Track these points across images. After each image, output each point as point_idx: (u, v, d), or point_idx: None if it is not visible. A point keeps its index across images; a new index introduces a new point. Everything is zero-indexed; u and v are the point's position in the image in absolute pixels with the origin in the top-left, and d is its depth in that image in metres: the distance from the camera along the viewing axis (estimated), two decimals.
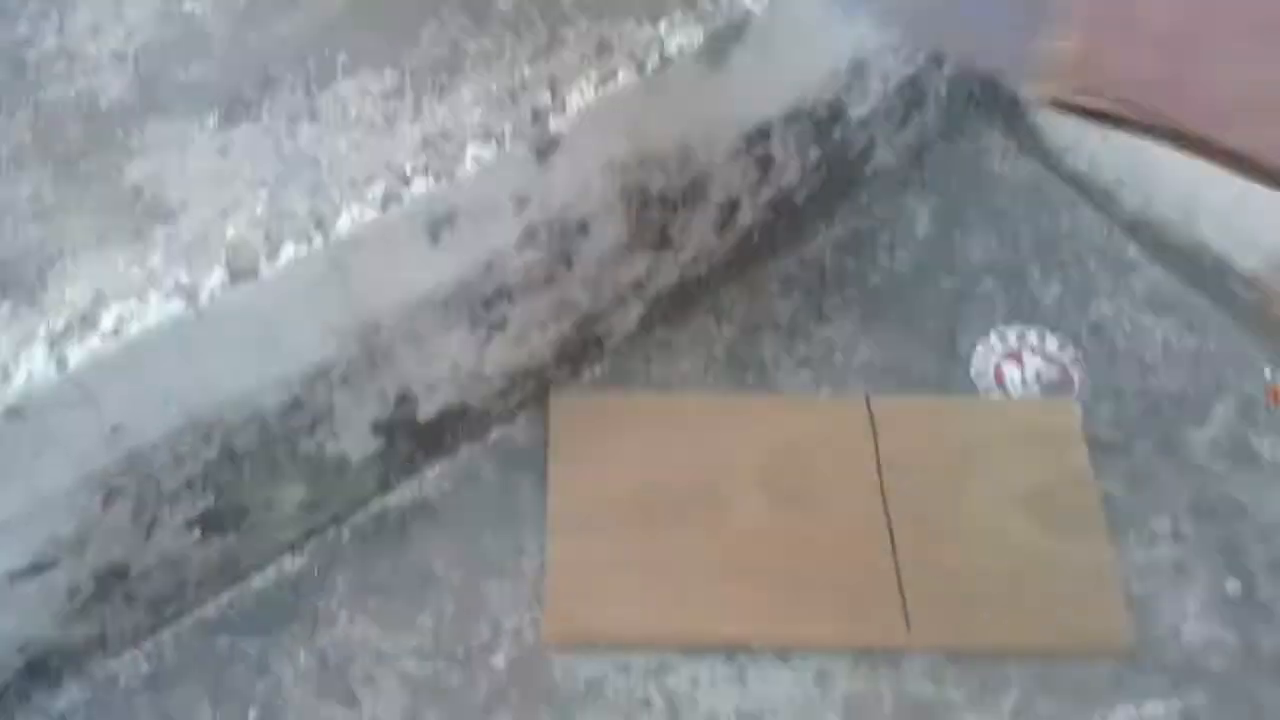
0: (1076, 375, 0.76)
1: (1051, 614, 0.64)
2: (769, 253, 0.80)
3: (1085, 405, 0.74)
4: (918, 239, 0.82)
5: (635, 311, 0.74)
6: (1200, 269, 0.79)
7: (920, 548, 0.67)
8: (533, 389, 0.73)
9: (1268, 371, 0.75)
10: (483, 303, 0.63)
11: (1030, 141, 0.86)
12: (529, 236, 0.61)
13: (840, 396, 0.74)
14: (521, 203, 0.59)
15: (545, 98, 0.56)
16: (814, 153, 0.75)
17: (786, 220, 0.78)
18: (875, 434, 0.71)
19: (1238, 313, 0.77)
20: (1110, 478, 0.70)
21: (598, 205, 0.63)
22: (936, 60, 0.77)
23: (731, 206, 0.72)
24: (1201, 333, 0.77)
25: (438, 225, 0.56)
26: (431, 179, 0.53)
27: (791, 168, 0.74)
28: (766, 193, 0.74)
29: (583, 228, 0.64)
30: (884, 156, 0.82)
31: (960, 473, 0.70)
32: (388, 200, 0.53)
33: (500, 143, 0.55)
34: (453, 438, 0.70)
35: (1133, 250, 0.82)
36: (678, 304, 0.76)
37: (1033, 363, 0.76)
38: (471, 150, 0.55)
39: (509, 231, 0.60)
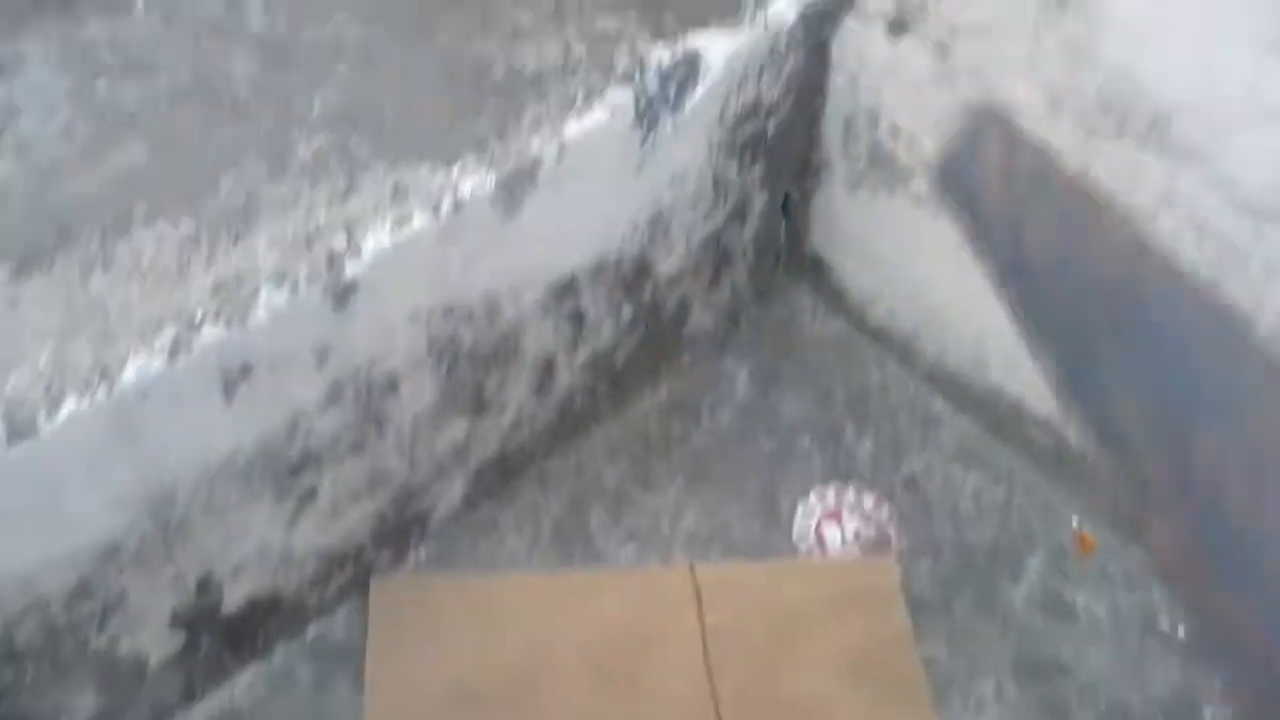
0: (894, 532, 0.77)
1: None
2: (593, 419, 0.80)
3: (904, 563, 0.74)
4: (737, 400, 0.84)
5: (458, 485, 0.72)
6: (999, 417, 0.82)
7: None
8: (352, 575, 0.69)
9: (1074, 520, 0.78)
10: (288, 470, 0.60)
11: (835, 299, 0.90)
12: (334, 394, 0.59)
13: (666, 566, 0.73)
14: (322, 355, 0.57)
15: (341, 241, 0.56)
16: (627, 311, 0.76)
17: (608, 383, 0.79)
18: (700, 605, 0.70)
19: (1038, 460, 0.80)
20: (932, 639, 0.70)
21: (405, 360, 0.62)
22: (738, 216, 0.81)
23: (548, 366, 0.73)
24: (1008, 483, 0.80)
25: (232, 378, 0.54)
26: (223, 325, 0.52)
27: (606, 326, 0.75)
28: (583, 352, 0.75)
29: (392, 385, 0.62)
30: (700, 318, 0.85)
31: (785, 640, 0.69)
32: (176, 348, 0.51)
33: (294, 287, 0.54)
34: (265, 635, 0.65)
35: (938, 403, 0.85)
36: (502, 476, 0.75)
37: (852, 522, 0.77)
38: (265, 294, 0.53)
39: (311, 387, 0.58)
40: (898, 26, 0.75)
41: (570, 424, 0.78)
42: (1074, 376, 0.29)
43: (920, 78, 0.74)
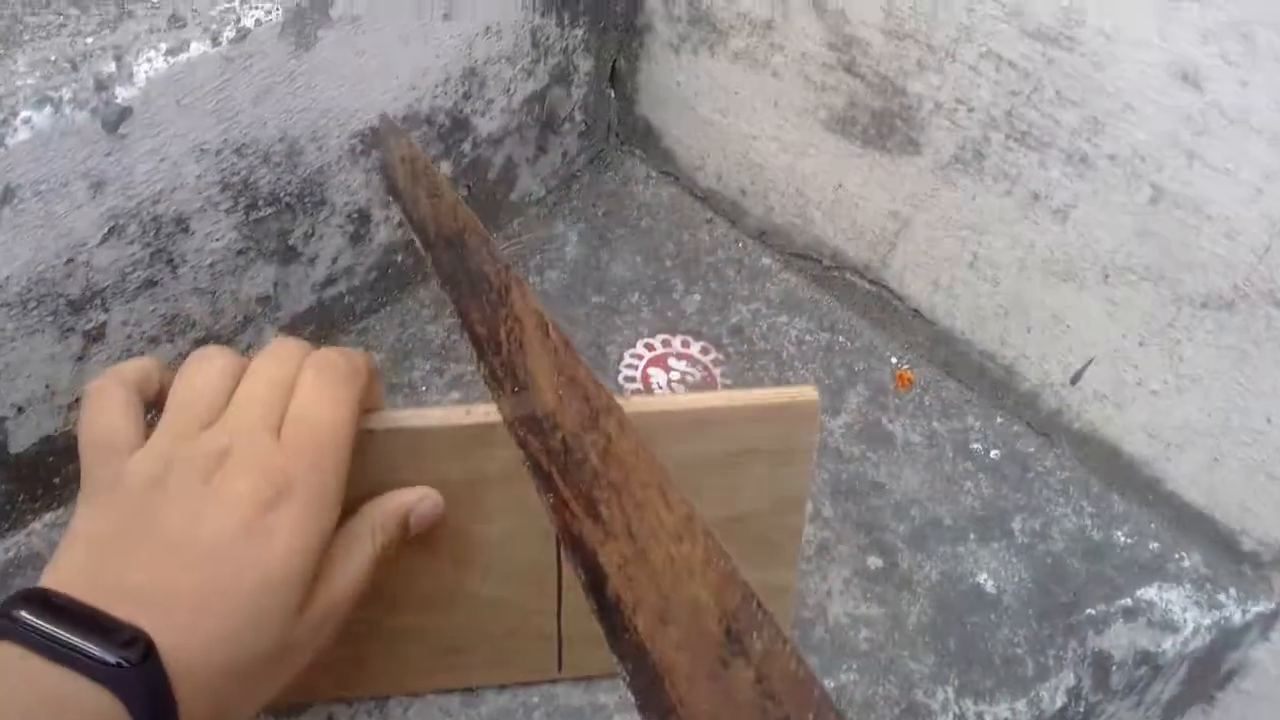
0: (719, 375, 0.78)
1: None
2: (418, 277, 0.79)
3: None
4: (567, 261, 0.84)
5: (269, 336, 0.70)
6: (823, 267, 0.83)
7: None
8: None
9: (894, 359, 0.80)
10: (69, 305, 0.58)
11: (666, 165, 0.90)
12: (116, 228, 0.58)
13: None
14: (98, 184, 0.56)
15: (110, 67, 0.54)
16: (446, 167, 0.76)
17: None
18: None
19: (860, 306, 0.82)
20: None
21: (195, 198, 0.61)
22: (562, 79, 0.81)
23: (362, 218, 0.72)
24: (831, 329, 0.81)
25: None
26: None
27: None
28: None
29: (182, 225, 0.61)
30: (529, 184, 0.85)
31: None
32: None
33: (58, 108, 0.52)
34: (62, 482, 0.63)
35: (766, 259, 0.86)
36: (321, 330, 0.74)
37: (678, 366, 0.78)
38: (24, 114, 0.52)
39: (88, 219, 0.56)
40: None
41: (393, 280, 0.77)
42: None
43: None
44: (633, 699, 0.31)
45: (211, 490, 0.39)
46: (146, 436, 0.42)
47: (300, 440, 0.41)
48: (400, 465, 0.47)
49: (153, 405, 0.44)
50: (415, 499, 0.46)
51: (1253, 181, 0.57)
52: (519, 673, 0.57)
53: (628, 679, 0.31)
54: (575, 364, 0.40)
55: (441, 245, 0.49)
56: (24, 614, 0.35)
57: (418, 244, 0.52)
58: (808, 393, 0.49)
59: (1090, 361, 0.70)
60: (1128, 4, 0.58)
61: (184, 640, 0.35)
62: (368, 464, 0.45)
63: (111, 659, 0.33)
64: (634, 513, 0.34)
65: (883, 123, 0.73)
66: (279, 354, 0.45)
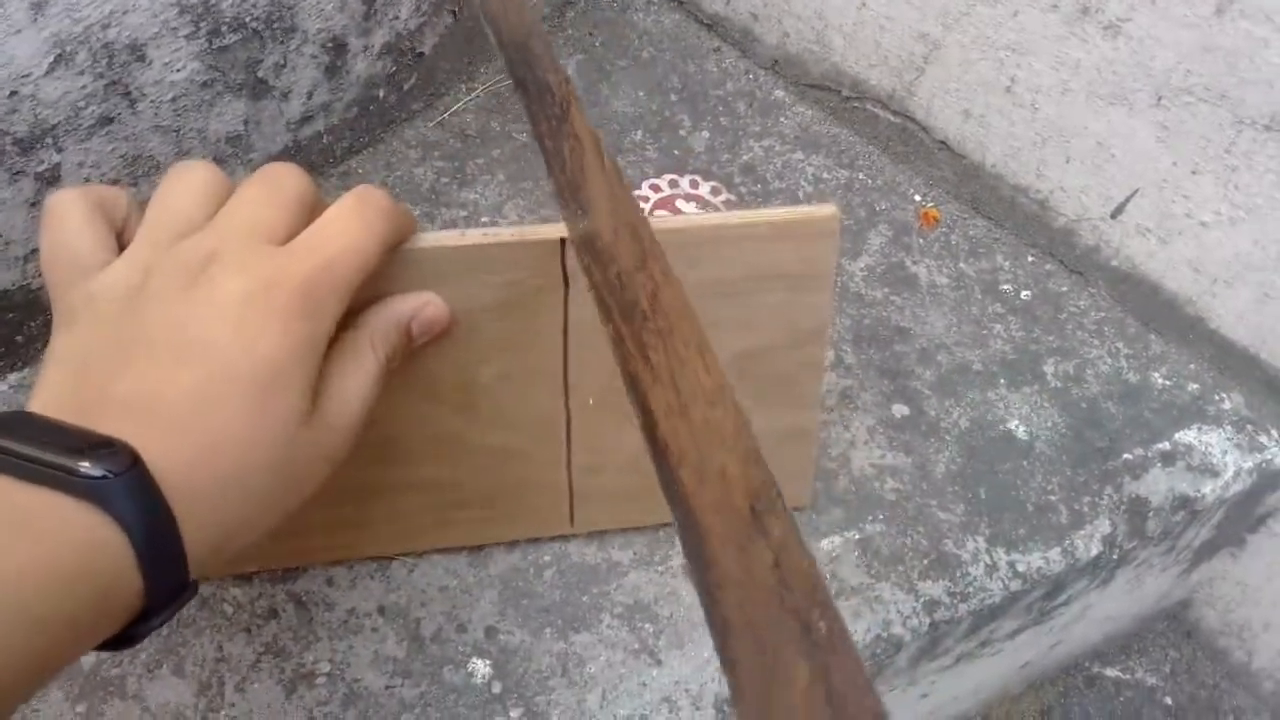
0: None
1: None
2: (403, 115, 0.73)
3: None
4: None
5: (241, 178, 0.64)
6: (842, 99, 0.77)
7: (598, 437, 0.51)
8: None
9: (917, 197, 0.74)
10: (17, 145, 0.52)
11: None
12: (62, 56, 0.51)
13: (530, 235, 0.45)
14: (37, 6, 0.49)
15: None
16: None
17: (416, 75, 0.72)
18: (567, 287, 0.47)
19: (882, 140, 0.76)
20: None
21: (150, 22, 0.54)
22: None
23: (338, 47, 0.65)
24: (850, 165, 0.76)
25: None
26: None
27: (405, 6, 0.67)
28: (380, 35, 0.67)
29: (137, 52, 0.54)
30: None
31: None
32: None
33: None
34: (24, 340, 0.59)
35: (779, 91, 0.80)
36: None
37: (686, 208, 0.73)
38: None
39: (30, 45, 0.50)
40: None
41: (375, 118, 0.71)
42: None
43: None
44: (680, 547, 0.29)
45: (198, 290, 0.35)
46: (118, 255, 0.37)
47: (307, 253, 0.36)
48: (394, 289, 0.42)
49: (119, 236, 0.39)
50: (417, 304, 0.42)
51: None
52: (529, 528, 0.54)
53: (677, 526, 0.29)
54: (626, 197, 0.36)
55: (511, 47, 0.46)
56: None
57: (491, 42, 0.48)
58: (827, 209, 0.45)
59: (1135, 193, 0.65)
60: None
61: (177, 448, 0.31)
62: (359, 290, 0.40)
63: (94, 472, 0.29)
64: (677, 366, 0.32)
65: None
66: (275, 180, 0.40)
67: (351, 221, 0.38)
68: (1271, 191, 0.59)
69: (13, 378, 0.58)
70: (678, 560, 0.55)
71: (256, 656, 0.49)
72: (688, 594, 0.54)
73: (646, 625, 0.52)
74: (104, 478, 0.30)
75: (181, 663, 0.49)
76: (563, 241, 0.43)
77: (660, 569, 0.54)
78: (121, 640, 0.31)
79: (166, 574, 0.31)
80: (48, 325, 0.59)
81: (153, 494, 0.31)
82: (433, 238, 0.42)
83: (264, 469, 0.34)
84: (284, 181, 0.39)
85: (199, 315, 0.35)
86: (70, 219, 0.37)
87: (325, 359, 0.37)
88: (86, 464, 0.30)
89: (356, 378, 0.39)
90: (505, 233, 0.43)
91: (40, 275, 0.56)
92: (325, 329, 0.37)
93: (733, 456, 0.29)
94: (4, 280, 0.55)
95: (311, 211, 0.39)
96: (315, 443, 0.36)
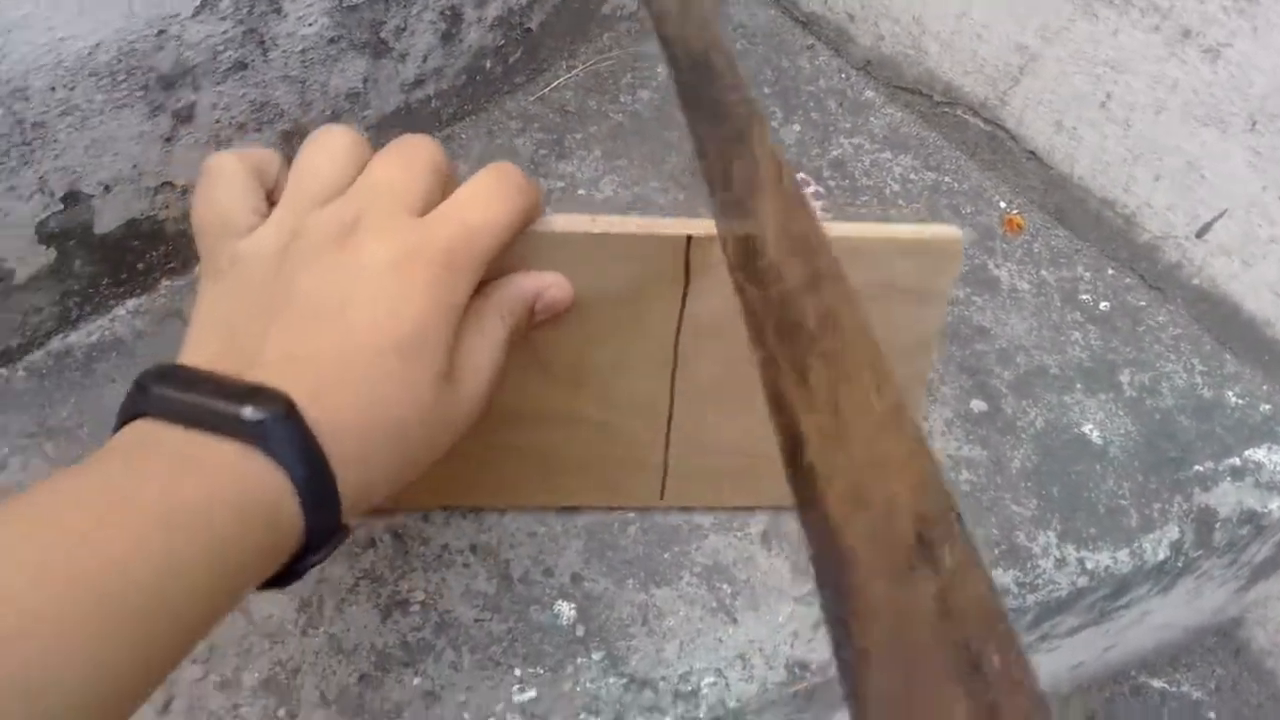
0: (819, 208, 0.74)
1: None
2: (506, 86, 0.75)
3: None
4: (659, 81, 0.80)
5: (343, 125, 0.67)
6: (933, 103, 0.79)
7: (698, 423, 0.52)
8: None
9: (1002, 203, 0.76)
10: (160, 82, 0.55)
11: None
12: (208, 2, 0.54)
13: (658, 229, 0.46)
14: None
15: None
16: None
17: (522, 50, 0.74)
18: (687, 282, 0.47)
19: (970, 145, 0.78)
20: None
21: None
22: None
23: (455, 15, 0.67)
24: (938, 168, 0.77)
25: None
26: None
27: None
28: (494, 7, 0.69)
29: (275, 4, 0.57)
30: None
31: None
32: None
33: None
34: (147, 268, 0.61)
35: (870, 92, 0.82)
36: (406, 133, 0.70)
37: None
38: None
39: None
40: None
41: (481, 87, 0.73)
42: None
43: None
44: (812, 573, 0.28)
45: (343, 255, 0.37)
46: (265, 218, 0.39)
47: (448, 224, 0.38)
48: (522, 266, 0.44)
49: (269, 199, 0.41)
50: (545, 283, 0.43)
51: None
52: (621, 498, 0.56)
53: (811, 552, 0.28)
54: (807, 220, 0.36)
55: (685, 62, 0.44)
56: (156, 389, 0.33)
57: (663, 55, 0.46)
58: (951, 232, 0.46)
59: (1222, 213, 0.66)
60: None
61: (326, 402, 0.33)
62: (494, 260, 0.42)
63: (254, 415, 0.31)
64: (843, 389, 0.31)
65: None
66: (413, 151, 0.42)
67: (492, 196, 0.40)
68: None
69: (130, 303, 0.61)
70: (756, 528, 0.56)
71: (355, 581, 0.51)
72: (764, 560, 0.55)
73: (724, 586, 0.54)
74: (262, 422, 0.32)
75: None
76: (689, 239, 0.45)
77: (739, 535, 0.56)
78: (281, 578, 0.33)
79: (323, 515, 0.32)
80: (168, 256, 0.61)
81: (309, 439, 0.32)
82: (564, 221, 0.44)
83: (406, 426, 0.36)
84: (420, 152, 0.41)
85: (345, 279, 0.36)
86: (226, 180, 0.39)
87: (459, 326, 0.39)
88: (249, 409, 0.32)
89: (487, 345, 0.40)
90: (634, 223, 0.44)
91: (167, 207, 0.59)
92: (463, 296, 0.38)
93: (903, 481, 0.28)
94: (134, 209, 0.58)
95: (446, 181, 0.41)
96: (452, 404, 0.38)
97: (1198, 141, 0.65)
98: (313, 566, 0.34)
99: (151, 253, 0.60)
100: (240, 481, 0.31)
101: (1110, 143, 0.70)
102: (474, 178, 0.40)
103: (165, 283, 0.62)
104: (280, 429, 0.31)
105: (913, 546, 0.26)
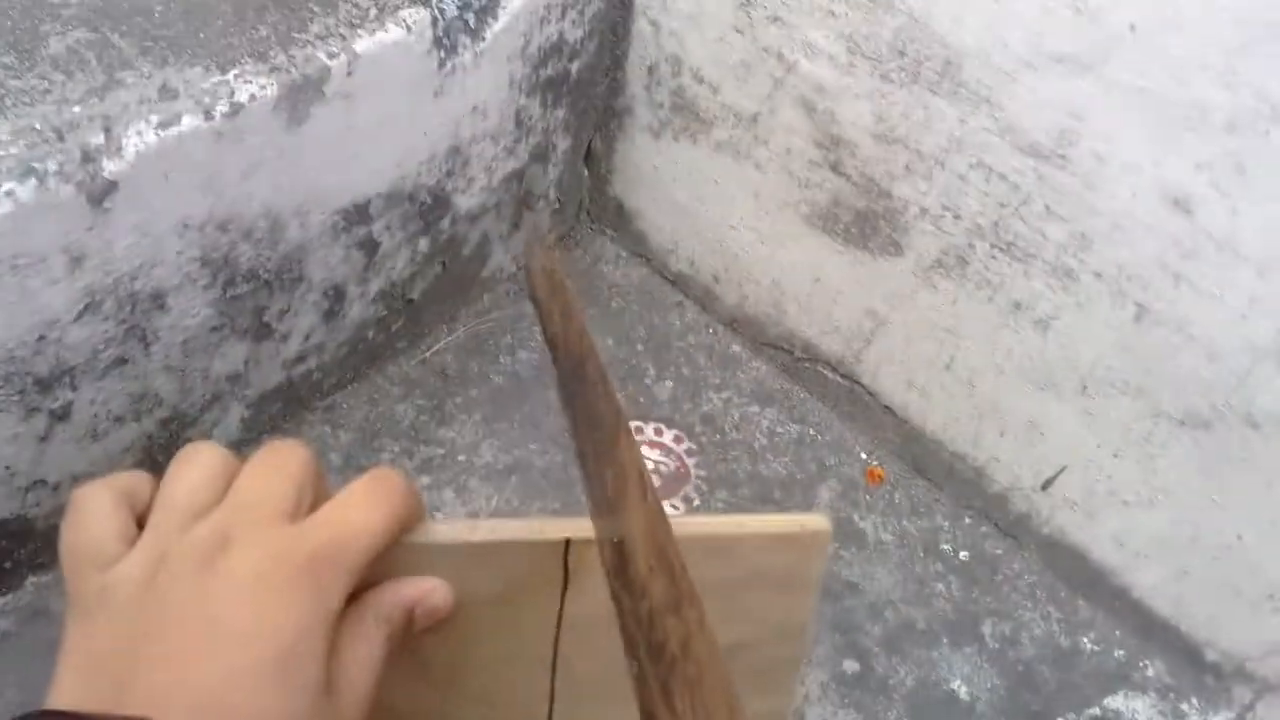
0: (692, 465, 0.77)
1: None
2: (388, 353, 0.77)
3: (701, 494, 0.75)
4: (537, 341, 0.83)
5: (235, 414, 0.68)
6: (795, 358, 0.84)
7: (578, 718, 0.51)
8: None
9: (864, 454, 0.80)
10: (36, 385, 0.55)
11: (638, 247, 0.90)
12: (91, 304, 0.55)
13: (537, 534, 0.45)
14: (77, 259, 0.53)
15: (98, 138, 0.52)
16: (424, 244, 0.74)
17: (404, 318, 0.76)
18: (565, 583, 0.47)
19: (831, 399, 0.82)
20: None
21: (175, 274, 0.58)
22: (540, 157, 0.80)
23: (338, 294, 0.70)
24: (802, 420, 0.82)
25: None
26: None
27: (401, 257, 0.73)
28: (376, 283, 0.72)
29: (159, 301, 0.58)
30: (501, 260, 0.83)
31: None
32: None
33: (42, 180, 0.50)
34: (15, 565, 0.60)
35: (736, 346, 0.86)
36: (286, 406, 0.71)
37: (651, 455, 0.77)
38: (6, 186, 0.49)
39: (64, 295, 0.54)
40: None
41: (362, 357, 0.75)
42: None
43: (723, 26, 0.75)
44: None
45: (212, 571, 0.37)
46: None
47: (318, 530, 0.39)
48: (400, 571, 0.45)
49: (140, 521, 0.41)
50: (425, 589, 0.44)
51: (1238, 307, 0.59)
52: None
53: None
54: (667, 536, 0.38)
55: (565, 366, 0.47)
56: None
57: (550, 355, 0.49)
58: (820, 522, 0.49)
59: (1063, 469, 0.71)
60: (1123, 129, 0.59)
61: None
62: (369, 566, 0.43)
63: None
64: (703, 716, 0.33)
65: (866, 222, 0.74)
66: (282, 458, 0.42)
67: (368, 501, 0.40)
68: (1186, 479, 0.65)
69: None
70: None
71: None
72: None
73: None
74: None
75: None
76: (567, 542, 0.46)
77: None
78: None
79: None
80: (36, 553, 0.60)
81: None
82: (445, 530, 0.45)
83: None
84: (289, 459, 0.41)
85: (215, 595, 0.36)
86: (94, 511, 0.39)
87: (336, 635, 0.39)
88: None
89: (364, 654, 0.40)
90: (513, 527, 0.45)
91: (38, 504, 0.58)
92: (335, 604, 0.39)
93: None
94: (5, 509, 0.57)
95: (317, 486, 0.42)
96: (333, 715, 0.38)
97: (1035, 403, 0.71)
98: None
99: (19, 550, 0.59)
100: None
101: (958, 401, 0.75)
102: (351, 484, 0.41)
103: (32, 579, 0.61)
104: None
105: None
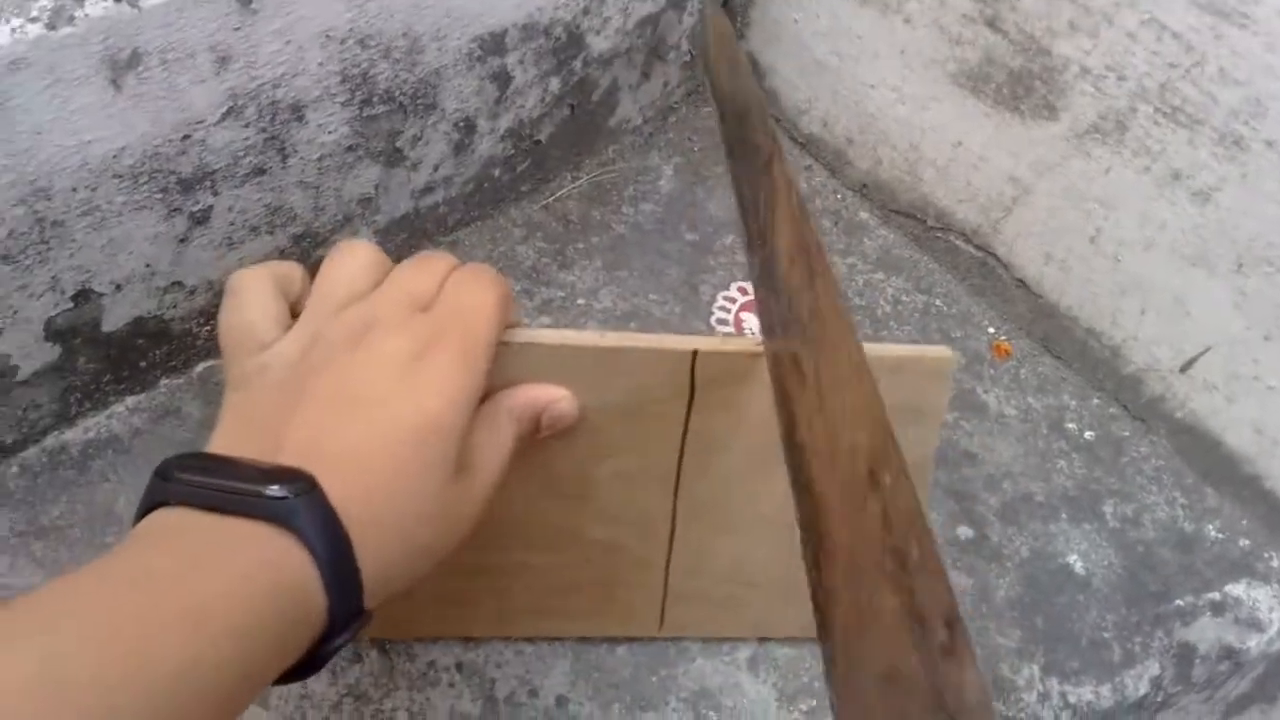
0: None
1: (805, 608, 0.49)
2: (512, 195, 0.77)
3: None
4: (661, 194, 0.81)
5: (364, 238, 0.68)
6: (926, 227, 0.81)
7: (699, 542, 0.52)
8: None
9: (991, 329, 0.77)
10: (179, 184, 0.56)
11: (769, 107, 0.87)
12: (234, 107, 0.55)
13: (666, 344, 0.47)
14: (223, 60, 0.53)
15: None
16: (555, 84, 0.73)
17: (530, 160, 0.76)
18: (691, 397, 0.48)
19: (961, 271, 0.80)
20: None
21: (315, 85, 0.58)
22: (676, 4, 0.78)
23: (468, 126, 0.69)
24: (928, 291, 0.79)
25: (120, 67, 0.50)
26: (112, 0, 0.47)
27: (532, 96, 0.72)
28: (506, 119, 0.71)
29: (298, 113, 0.58)
30: (628, 111, 0.82)
31: (770, 456, 0.46)
32: (57, 16, 0.47)
33: None
34: (149, 365, 0.62)
35: (865, 213, 0.84)
36: (414, 239, 0.72)
37: None
38: None
39: (209, 93, 0.54)
40: None
41: (488, 195, 0.75)
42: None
43: None
44: (798, 528, 0.34)
45: (361, 350, 0.39)
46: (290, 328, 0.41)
47: (450, 315, 0.41)
48: (530, 379, 0.45)
49: (293, 308, 0.43)
50: (551, 397, 0.45)
51: None
52: (620, 624, 0.56)
53: (797, 510, 0.34)
54: (807, 229, 0.41)
55: (732, 117, 0.51)
56: (178, 475, 0.34)
57: (716, 114, 0.53)
58: (942, 351, 0.48)
59: (1206, 350, 0.68)
60: None
61: (349, 487, 0.34)
62: (498, 378, 0.43)
63: (278, 493, 0.32)
64: (824, 366, 0.36)
65: (1019, 83, 0.70)
66: (427, 259, 0.44)
67: (477, 285, 0.42)
68: None
69: (130, 400, 0.61)
70: (744, 653, 0.57)
71: (339, 698, 0.51)
72: (751, 687, 0.55)
73: (711, 713, 0.54)
74: (286, 498, 0.32)
75: (267, 696, 0.51)
76: (695, 354, 0.46)
77: (727, 660, 0.56)
78: (306, 667, 0.34)
79: (346, 596, 0.33)
80: (170, 354, 0.62)
81: (332, 517, 0.33)
82: (573, 335, 0.45)
83: (421, 515, 0.37)
84: (439, 262, 0.43)
85: (362, 373, 0.38)
86: (251, 295, 0.41)
87: (471, 420, 0.40)
88: (273, 487, 0.33)
89: (496, 442, 0.42)
90: (642, 339, 0.45)
91: (174, 306, 0.60)
92: (476, 385, 0.40)
93: (861, 428, 0.32)
94: (143, 308, 0.59)
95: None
96: (461, 498, 0.39)
97: (1184, 279, 0.67)
98: (336, 651, 0.34)
99: (155, 351, 0.61)
100: (265, 564, 0.32)
101: (1098, 276, 0.72)
102: (452, 276, 0.42)
103: (165, 381, 0.63)
104: (304, 506, 0.32)
105: (865, 480, 0.31)
